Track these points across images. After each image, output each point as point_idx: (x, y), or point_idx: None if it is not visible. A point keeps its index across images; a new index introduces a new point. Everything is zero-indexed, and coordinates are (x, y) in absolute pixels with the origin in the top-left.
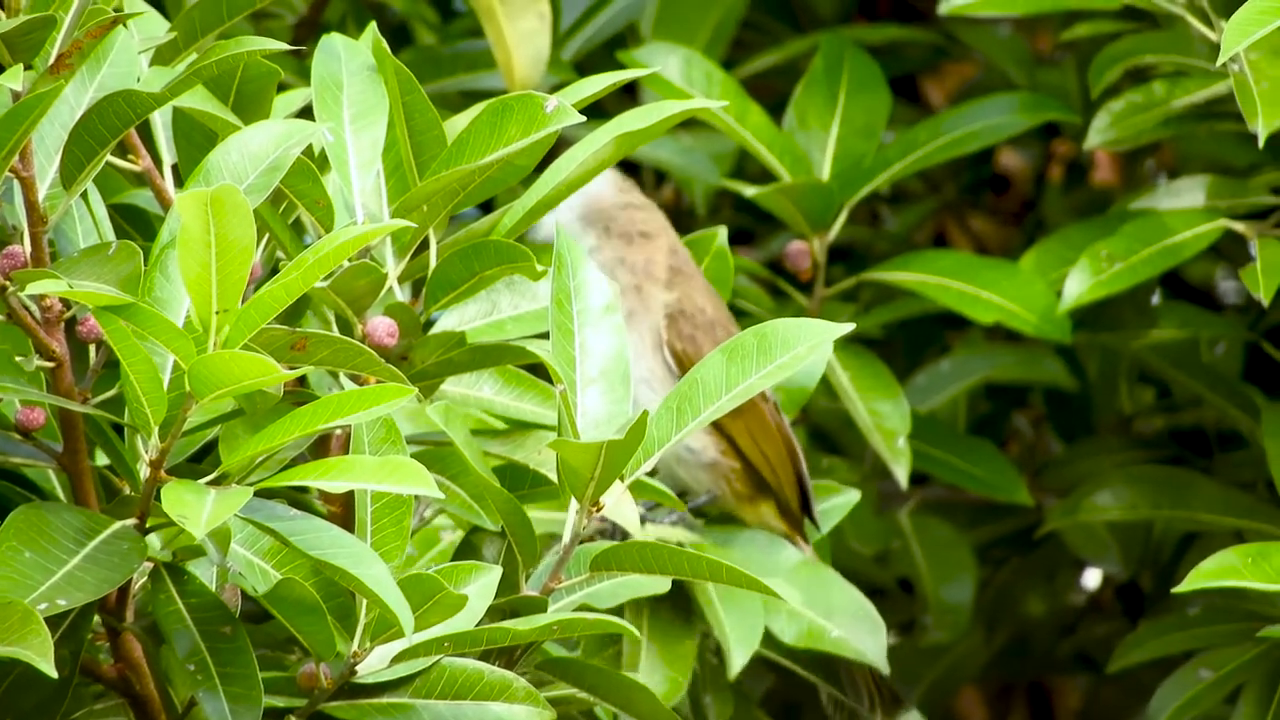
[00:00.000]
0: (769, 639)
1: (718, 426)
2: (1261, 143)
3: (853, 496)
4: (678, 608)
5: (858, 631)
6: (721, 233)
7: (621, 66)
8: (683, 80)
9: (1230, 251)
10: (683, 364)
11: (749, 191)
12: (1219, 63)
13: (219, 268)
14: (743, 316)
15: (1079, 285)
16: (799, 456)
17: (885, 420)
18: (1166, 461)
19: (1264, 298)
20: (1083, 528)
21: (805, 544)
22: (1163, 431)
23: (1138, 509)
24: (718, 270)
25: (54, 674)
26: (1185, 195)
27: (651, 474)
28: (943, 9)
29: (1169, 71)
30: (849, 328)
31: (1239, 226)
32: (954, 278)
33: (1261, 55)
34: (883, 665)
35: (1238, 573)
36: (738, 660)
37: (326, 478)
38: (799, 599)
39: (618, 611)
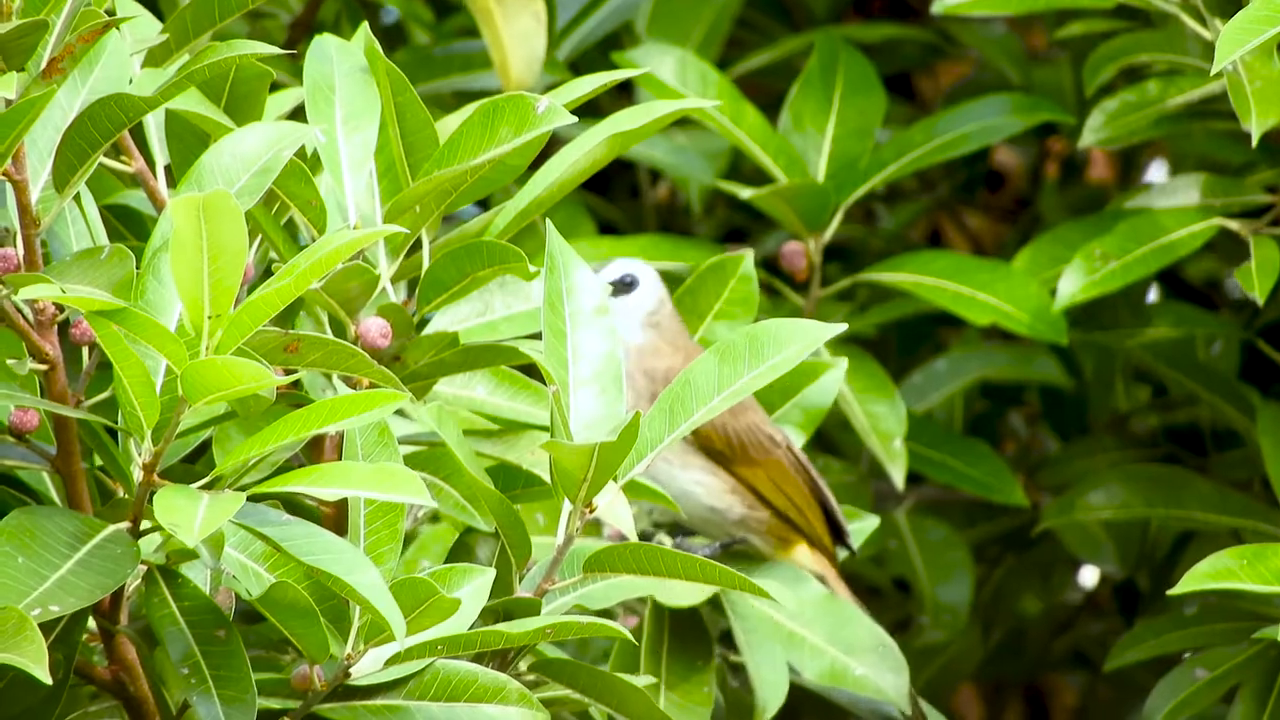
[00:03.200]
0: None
1: (741, 481)
2: (1255, 141)
3: (872, 522)
4: (695, 645)
5: (880, 670)
6: (748, 256)
7: (616, 67)
8: (677, 81)
9: (1228, 250)
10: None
11: (744, 193)
12: (1214, 70)
13: (211, 273)
14: None
15: (1073, 284)
16: (823, 491)
17: (881, 422)
18: (1162, 460)
19: (1259, 296)
20: (1078, 527)
21: (838, 577)
22: (1158, 430)
23: (1132, 508)
24: (742, 292)
25: (48, 680)
26: (1180, 194)
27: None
28: (935, 8)
29: (1163, 70)
30: (841, 328)
31: (1233, 225)
32: (949, 279)
33: (1255, 55)
34: (904, 704)
35: (1234, 574)
36: (771, 708)
37: (320, 484)
38: (791, 599)
39: (635, 633)
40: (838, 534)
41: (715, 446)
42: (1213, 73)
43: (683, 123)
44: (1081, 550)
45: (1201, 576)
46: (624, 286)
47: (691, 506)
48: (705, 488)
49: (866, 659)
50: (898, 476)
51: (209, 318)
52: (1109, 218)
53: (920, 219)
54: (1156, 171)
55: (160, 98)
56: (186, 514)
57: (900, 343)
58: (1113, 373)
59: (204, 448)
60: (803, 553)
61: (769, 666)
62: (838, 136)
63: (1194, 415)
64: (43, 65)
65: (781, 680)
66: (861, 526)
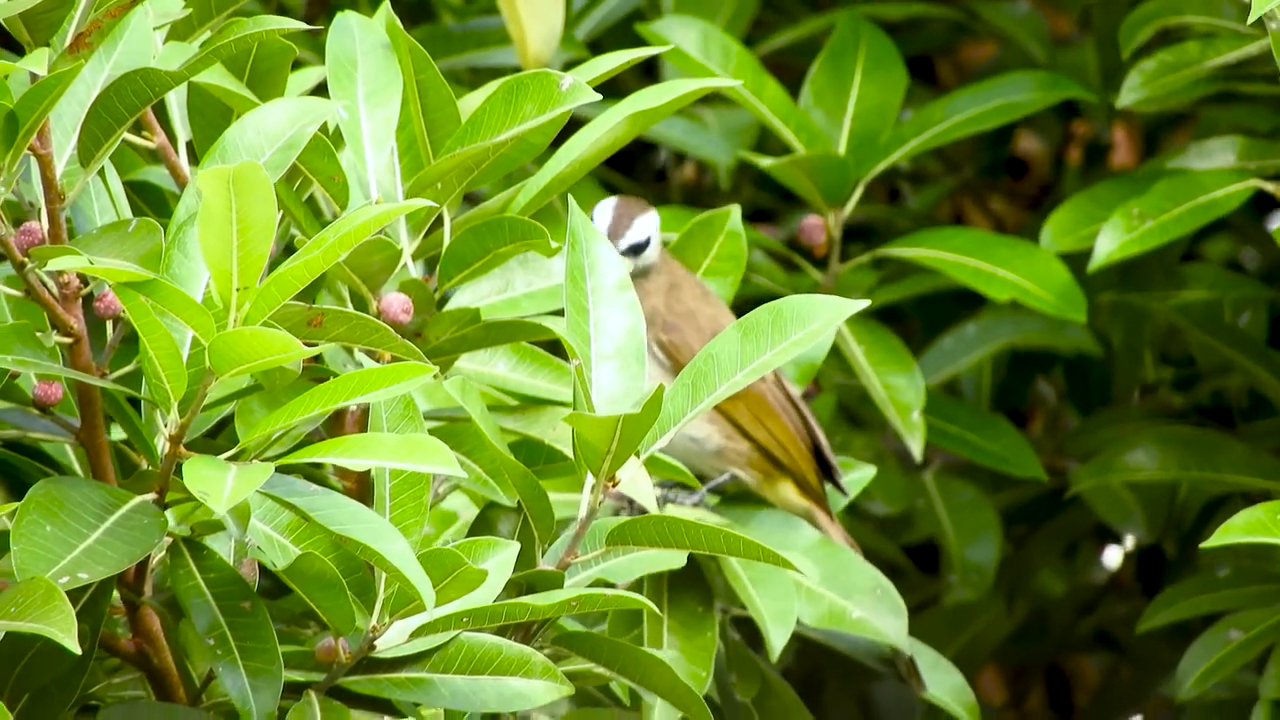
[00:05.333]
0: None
1: (720, 411)
2: None
3: (869, 472)
4: (696, 594)
5: (879, 612)
6: (735, 211)
7: (639, 39)
8: (700, 54)
9: (1246, 230)
10: (670, 353)
11: (764, 163)
12: (1248, 22)
13: (240, 245)
14: (758, 292)
15: (1111, 242)
16: (815, 428)
17: (900, 394)
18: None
19: None
20: (1107, 493)
21: (829, 517)
22: (1185, 403)
23: (1168, 469)
24: (730, 248)
25: (77, 650)
26: (1216, 156)
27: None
28: None
29: (1200, 32)
30: (864, 304)
31: (1269, 187)
32: (970, 255)
33: None
34: (904, 646)
35: (1265, 528)
36: (777, 642)
37: (348, 455)
38: (817, 575)
39: (634, 587)
40: (831, 478)
41: None
42: (1248, 23)
43: (708, 99)
44: (1110, 515)
45: (1235, 530)
46: (638, 249)
47: None
48: None
49: (864, 601)
50: (916, 449)
51: (237, 290)
52: (1145, 178)
53: (944, 202)
54: None
55: (186, 72)
56: (216, 483)
57: (923, 324)
58: (1141, 343)
59: (223, 425)
60: (789, 489)
61: (776, 603)
62: (858, 113)
63: (1221, 388)
64: (69, 40)
65: (789, 610)
66: (859, 476)
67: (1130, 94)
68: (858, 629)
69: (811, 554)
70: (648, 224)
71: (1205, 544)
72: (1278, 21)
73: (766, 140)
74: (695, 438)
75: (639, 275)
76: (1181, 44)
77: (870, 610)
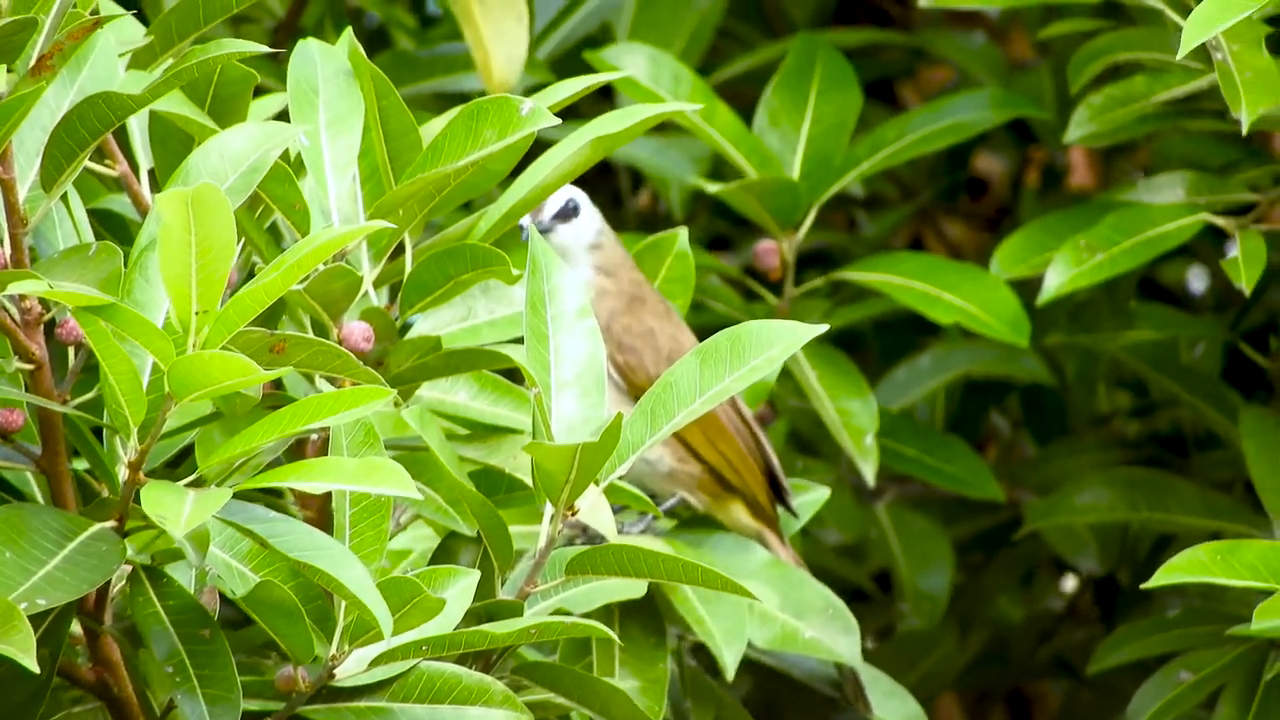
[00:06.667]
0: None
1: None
2: (1246, 129)
3: (822, 494)
4: (648, 623)
5: (831, 631)
6: (682, 234)
7: (590, 67)
8: (650, 81)
9: (1207, 254)
10: (626, 375)
11: (714, 188)
12: (1179, 55)
13: (199, 268)
14: (714, 317)
15: (1060, 275)
16: (767, 450)
17: (854, 418)
18: (1144, 462)
19: (1246, 287)
20: (1062, 526)
21: (779, 539)
22: (1140, 432)
23: (1116, 510)
24: (679, 270)
25: (36, 669)
26: (1165, 190)
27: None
28: (924, 1)
29: (1150, 67)
30: (822, 328)
31: (1219, 221)
32: (919, 279)
33: (1244, 46)
34: (858, 664)
35: (1207, 568)
36: (730, 661)
37: (306, 479)
38: (775, 601)
39: (594, 615)
40: (783, 501)
41: None
42: (1178, 57)
43: (661, 127)
44: (1063, 548)
45: (1175, 569)
46: (565, 215)
47: None
48: None
49: (816, 621)
50: (869, 473)
51: (196, 313)
52: (1095, 210)
53: (902, 227)
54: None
55: (148, 96)
56: (173, 508)
57: (880, 349)
58: (1095, 374)
59: (185, 454)
60: (740, 511)
61: (727, 625)
62: (813, 135)
63: (1176, 417)
64: (31, 63)
65: (741, 629)
66: (811, 499)
67: (1077, 129)
68: (810, 649)
69: (763, 576)
70: (566, 192)
71: (1147, 584)
72: (1224, 53)
73: (722, 167)
74: (648, 460)
75: (594, 253)
76: (1130, 78)
77: (822, 630)
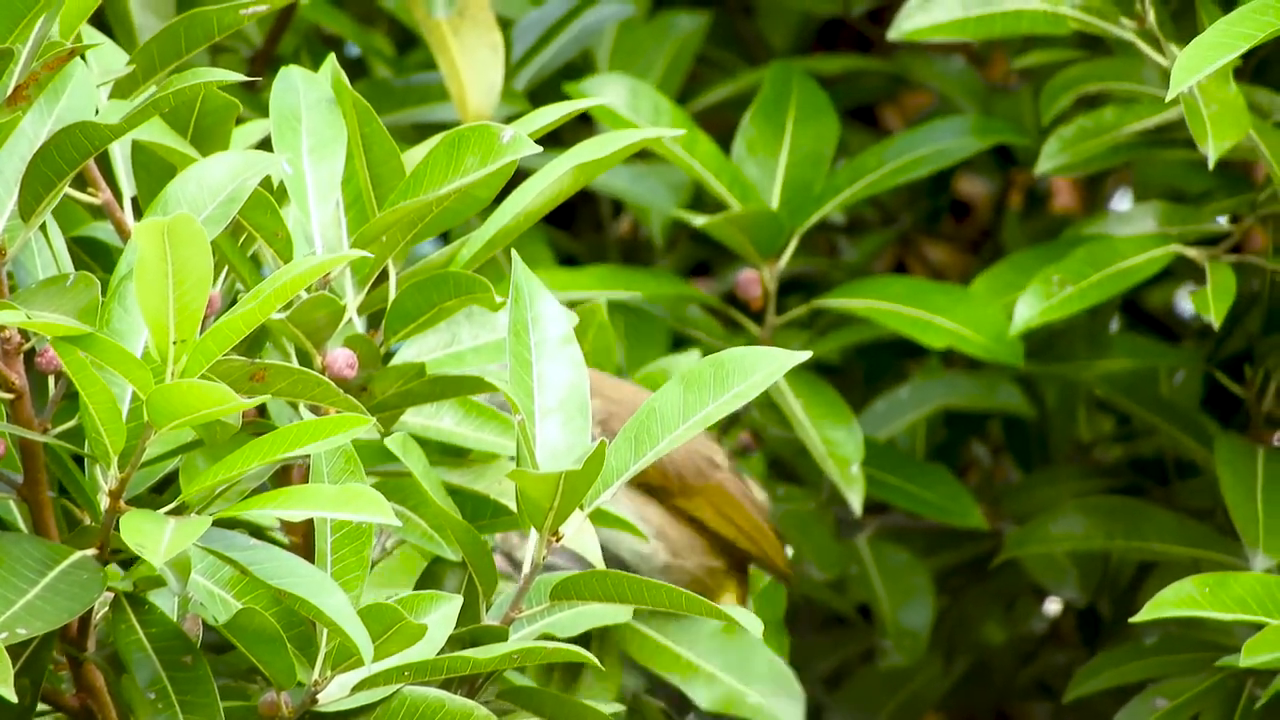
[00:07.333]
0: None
1: (676, 516)
2: (1212, 164)
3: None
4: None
5: (775, 696)
6: (603, 307)
7: (568, 98)
8: (629, 110)
9: (1194, 277)
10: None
11: (697, 221)
12: (1169, 96)
13: (176, 297)
14: (696, 347)
15: (1029, 309)
16: (765, 512)
17: (838, 448)
18: (1124, 489)
19: (1215, 320)
20: (1041, 554)
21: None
22: (1121, 460)
23: (1093, 539)
24: (601, 340)
25: (14, 698)
26: (1137, 222)
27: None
28: (893, 34)
29: (1121, 98)
30: (805, 355)
31: (1191, 252)
32: (905, 303)
33: (1211, 79)
34: None
35: (1196, 602)
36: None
37: (285, 506)
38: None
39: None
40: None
41: (652, 482)
42: (1168, 98)
43: (642, 154)
44: (1044, 577)
45: (1164, 604)
46: None
47: (609, 555)
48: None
49: (761, 686)
50: (855, 501)
51: (174, 343)
52: (1066, 244)
53: (883, 252)
54: (1121, 200)
55: (126, 125)
56: (153, 536)
57: (864, 374)
58: (1075, 403)
59: (169, 480)
60: (728, 599)
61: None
62: (791, 163)
63: (1157, 444)
64: (8, 93)
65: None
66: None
67: (1049, 160)
68: (753, 714)
69: (716, 639)
70: None
71: (1135, 618)
72: (1190, 87)
73: (702, 195)
74: (641, 553)
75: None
76: (1100, 109)
77: (767, 695)
